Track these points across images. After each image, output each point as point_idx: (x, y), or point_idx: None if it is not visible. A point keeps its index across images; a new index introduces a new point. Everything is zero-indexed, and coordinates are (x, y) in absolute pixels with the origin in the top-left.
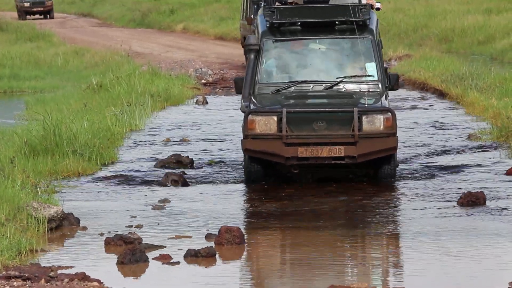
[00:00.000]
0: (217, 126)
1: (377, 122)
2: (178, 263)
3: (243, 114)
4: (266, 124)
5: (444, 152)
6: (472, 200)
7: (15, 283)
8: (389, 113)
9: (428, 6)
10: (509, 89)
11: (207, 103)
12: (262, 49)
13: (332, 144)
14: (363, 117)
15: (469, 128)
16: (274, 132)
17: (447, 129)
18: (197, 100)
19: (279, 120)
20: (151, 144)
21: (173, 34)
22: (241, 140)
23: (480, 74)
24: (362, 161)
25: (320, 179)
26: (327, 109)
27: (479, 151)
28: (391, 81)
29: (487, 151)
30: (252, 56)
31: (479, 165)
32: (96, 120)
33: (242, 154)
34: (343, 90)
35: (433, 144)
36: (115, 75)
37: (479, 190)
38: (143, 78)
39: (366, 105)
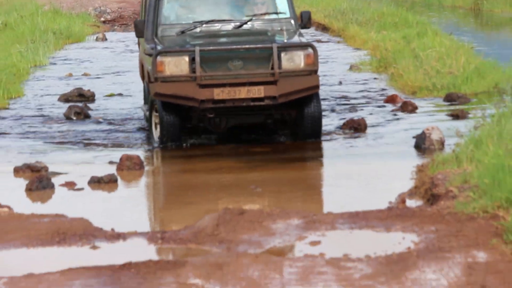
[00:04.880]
0: (116, 60)
1: (297, 59)
2: (82, 189)
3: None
4: (177, 65)
5: (328, 82)
6: (354, 126)
7: None
8: (310, 49)
9: None
10: (387, 22)
11: (106, 39)
12: None
13: (251, 84)
14: (282, 54)
15: (350, 59)
16: (186, 73)
17: (330, 61)
18: (97, 37)
19: (191, 60)
20: (54, 79)
21: None
22: (149, 83)
23: (360, 9)
24: (282, 102)
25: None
26: (244, 46)
27: (360, 81)
28: (303, 19)
29: (367, 81)
30: None
31: (360, 94)
32: (2, 57)
33: (140, 86)
34: (254, 28)
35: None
36: (19, 14)
37: (361, 117)
38: (46, 17)
39: (285, 41)
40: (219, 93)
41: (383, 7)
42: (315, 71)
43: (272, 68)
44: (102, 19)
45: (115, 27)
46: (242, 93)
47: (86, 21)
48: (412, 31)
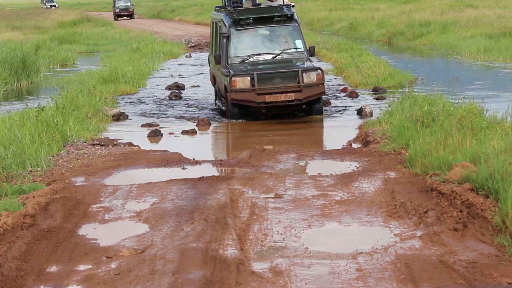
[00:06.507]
0: (196, 68)
1: (312, 76)
2: (178, 136)
3: (215, 72)
4: (243, 82)
5: None
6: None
7: (97, 147)
8: (319, 70)
9: (301, 6)
10: (342, 48)
11: (191, 57)
12: (230, 35)
13: (286, 92)
14: (304, 74)
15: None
16: (249, 87)
17: None
18: (186, 55)
19: (252, 79)
20: (162, 77)
21: (173, 22)
22: (227, 92)
23: (327, 41)
24: (305, 102)
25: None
26: (282, 70)
27: (327, 80)
28: (310, 51)
29: (330, 79)
30: (225, 40)
31: (326, 86)
32: (135, 65)
33: (209, 84)
34: (284, 58)
35: None
36: (145, 42)
37: (328, 99)
38: (159, 44)
39: (305, 66)
40: (268, 98)
41: (339, 40)
42: (322, 84)
43: (298, 83)
44: (189, 45)
45: (196, 50)
46: (281, 97)
47: (180, 46)
48: (355, 53)
